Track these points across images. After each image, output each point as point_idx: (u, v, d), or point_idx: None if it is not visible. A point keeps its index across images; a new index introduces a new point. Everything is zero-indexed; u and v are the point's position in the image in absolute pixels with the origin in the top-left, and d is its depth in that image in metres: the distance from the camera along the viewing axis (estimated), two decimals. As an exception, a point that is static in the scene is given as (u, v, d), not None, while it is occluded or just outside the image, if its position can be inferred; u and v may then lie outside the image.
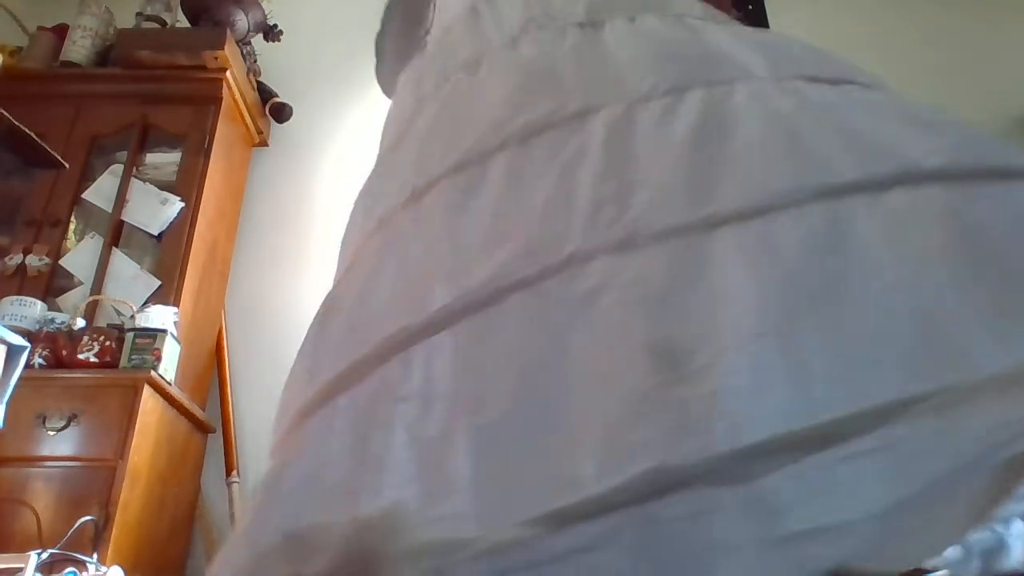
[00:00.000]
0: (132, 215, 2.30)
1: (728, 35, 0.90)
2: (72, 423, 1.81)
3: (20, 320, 1.99)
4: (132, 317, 2.03)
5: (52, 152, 1.59)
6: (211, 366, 2.42)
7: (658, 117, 0.73)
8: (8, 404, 1.23)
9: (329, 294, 0.84)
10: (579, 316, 0.59)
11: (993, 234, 0.58)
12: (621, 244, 0.62)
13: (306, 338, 0.79)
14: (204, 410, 2.30)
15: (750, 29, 0.97)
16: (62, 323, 2.01)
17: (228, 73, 2.49)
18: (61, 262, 2.24)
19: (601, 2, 0.99)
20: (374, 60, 1.40)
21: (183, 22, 2.66)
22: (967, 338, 0.51)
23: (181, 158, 2.41)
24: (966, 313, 0.52)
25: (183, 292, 2.19)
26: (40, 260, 2.21)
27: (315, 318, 0.81)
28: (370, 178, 1.00)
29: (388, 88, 1.39)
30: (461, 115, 0.88)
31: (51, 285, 2.21)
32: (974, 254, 0.56)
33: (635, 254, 0.61)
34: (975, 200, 0.61)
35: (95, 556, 1.56)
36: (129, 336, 1.97)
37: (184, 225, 2.27)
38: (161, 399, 1.98)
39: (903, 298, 0.53)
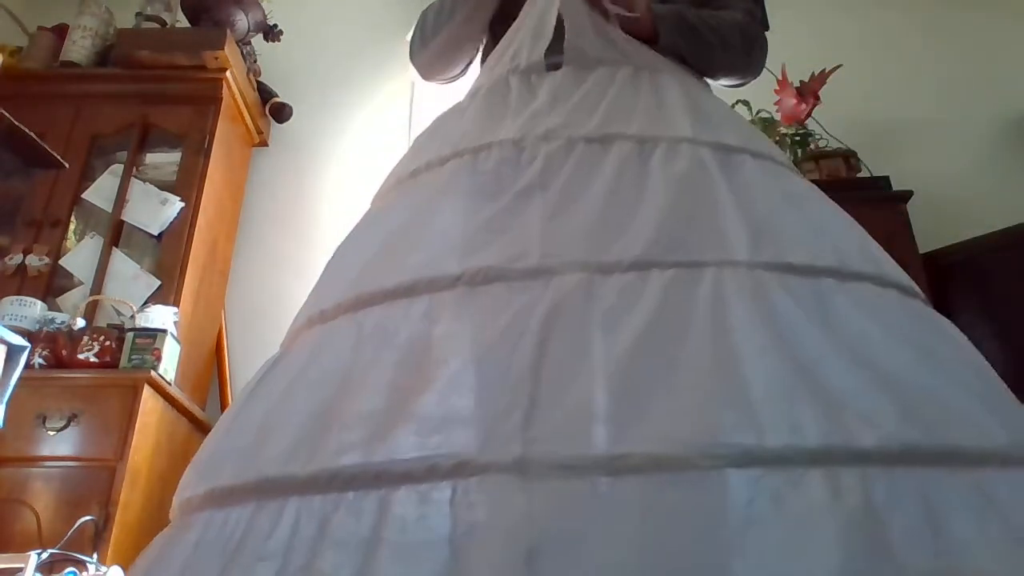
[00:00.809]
0: (132, 215, 2.30)
1: (730, 187, 0.81)
2: (72, 423, 1.81)
3: (20, 320, 1.99)
4: (132, 317, 2.03)
5: (52, 152, 1.59)
6: (211, 366, 2.42)
7: (613, 303, 0.67)
8: (8, 404, 1.23)
9: (262, 372, 0.81)
10: (453, 550, 0.54)
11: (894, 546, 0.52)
12: (514, 466, 0.56)
13: (227, 413, 0.78)
14: (204, 410, 2.30)
15: (769, 172, 0.88)
16: (62, 323, 2.01)
17: (228, 73, 2.49)
18: (61, 262, 2.24)
19: (618, 112, 0.90)
20: (412, 32, 1.28)
21: (183, 22, 2.66)
22: None
23: (181, 158, 2.41)
24: None
25: (183, 292, 2.19)
26: (40, 260, 2.21)
27: (245, 391, 0.79)
28: (349, 237, 0.95)
29: (424, 72, 1.30)
30: (435, 223, 0.82)
31: (51, 285, 2.21)
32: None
33: (523, 486, 0.56)
34: (887, 499, 0.54)
35: (95, 556, 1.56)
36: (129, 336, 1.97)
37: (184, 225, 2.27)
38: (161, 399, 1.98)
39: None
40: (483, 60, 1.20)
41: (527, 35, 1.04)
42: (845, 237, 0.81)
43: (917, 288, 0.81)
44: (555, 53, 1.01)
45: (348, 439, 0.62)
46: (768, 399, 0.59)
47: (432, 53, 1.24)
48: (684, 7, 1.12)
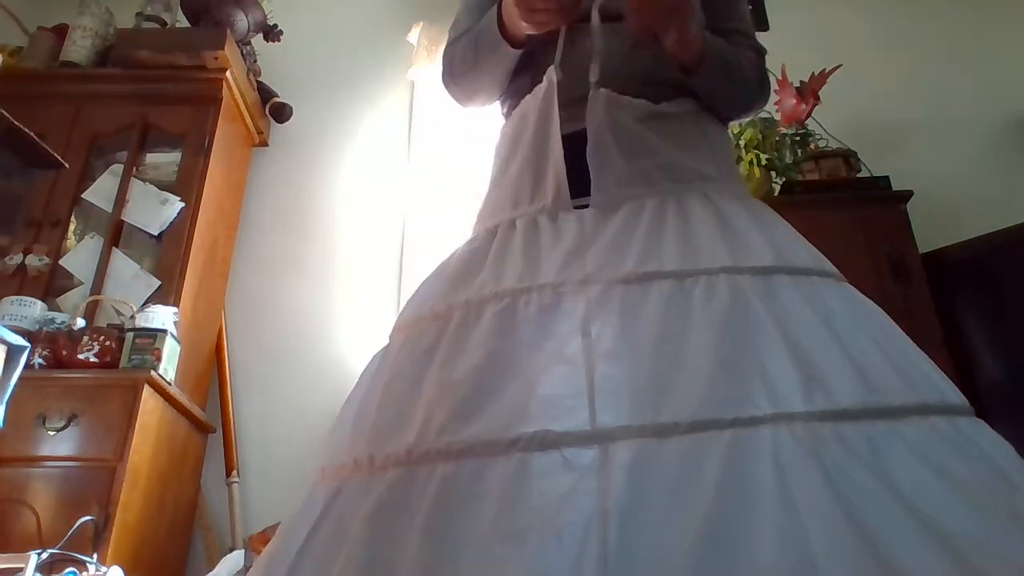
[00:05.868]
0: (132, 215, 2.30)
1: (771, 318, 0.81)
2: (72, 423, 1.81)
3: (20, 320, 1.99)
4: (132, 317, 2.03)
5: (52, 152, 1.59)
6: (211, 366, 2.42)
7: (675, 475, 0.67)
8: (8, 404, 1.23)
9: (309, 521, 0.80)
10: None
11: None
12: None
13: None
14: (204, 410, 2.30)
15: (804, 291, 0.87)
16: (62, 323, 2.01)
17: (228, 73, 2.50)
18: (61, 262, 2.25)
19: (651, 249, 0.89)
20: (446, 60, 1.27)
21: (183, 22, 2.67)
22: None
23: (181, 158, 2.41)
24: None
25: (183, 292, 2.19)
26: (40, 260, 2.21)
27: (298, 535, 0.79)
28: (385, 367, 0.93)
29: (458, 102, 1.29)
30: (484, 376, 0.81)
31: (51, 285, 2.21)
32: None
33: None
34: None
35: (95, 556, 1.56)
36: (129, 336, 1.97)
37: (184, 225, 2.27)
38: (161, 399, 1.98)
39: None
40: (504, 104, 1.21)
41: (552, 175, 1.01)
42: (887, 361, 0.81)
43: (957, 399, 0.81)
44: (581, 191, 1.00)
45: None
46: None
47: (462, 92, 1.25)
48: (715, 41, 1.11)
